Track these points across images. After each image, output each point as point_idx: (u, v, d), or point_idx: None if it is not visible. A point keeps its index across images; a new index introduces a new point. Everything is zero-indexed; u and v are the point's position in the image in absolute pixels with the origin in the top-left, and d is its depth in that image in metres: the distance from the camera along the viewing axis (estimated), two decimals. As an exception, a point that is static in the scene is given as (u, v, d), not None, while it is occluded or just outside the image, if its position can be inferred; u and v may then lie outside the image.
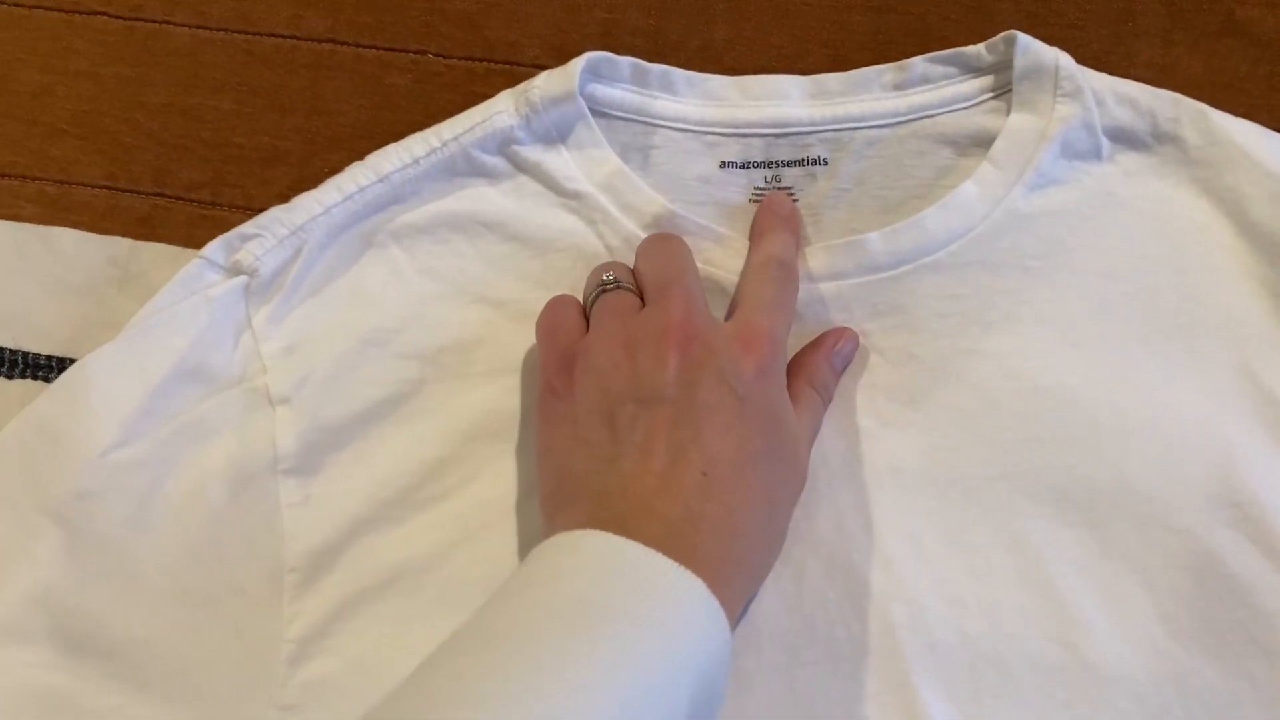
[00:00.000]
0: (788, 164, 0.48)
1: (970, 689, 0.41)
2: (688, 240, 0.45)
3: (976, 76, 0.49)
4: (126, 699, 0.42)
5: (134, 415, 0.44)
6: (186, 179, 0.51)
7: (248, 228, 0.47)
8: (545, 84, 0.47)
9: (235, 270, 0.46)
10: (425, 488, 0.45)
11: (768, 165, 0.48)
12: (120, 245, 0.49)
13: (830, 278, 0.46)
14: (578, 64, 0.47)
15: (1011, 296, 0.46)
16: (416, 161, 0.47)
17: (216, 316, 0.46)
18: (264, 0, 0.52)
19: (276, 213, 0.47)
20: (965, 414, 0.44)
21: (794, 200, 0.48)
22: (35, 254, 0.49)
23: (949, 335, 0.45)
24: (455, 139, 0.47)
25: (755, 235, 0.46)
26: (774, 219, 0.46)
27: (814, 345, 0.45)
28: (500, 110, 0.47)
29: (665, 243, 0.44)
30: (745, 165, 0.48)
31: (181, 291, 0.46)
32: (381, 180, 0.47)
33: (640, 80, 0.48)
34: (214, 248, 0.47)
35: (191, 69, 0.52)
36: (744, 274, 0.45)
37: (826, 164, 0.48)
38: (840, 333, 0.45)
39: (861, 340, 0.45)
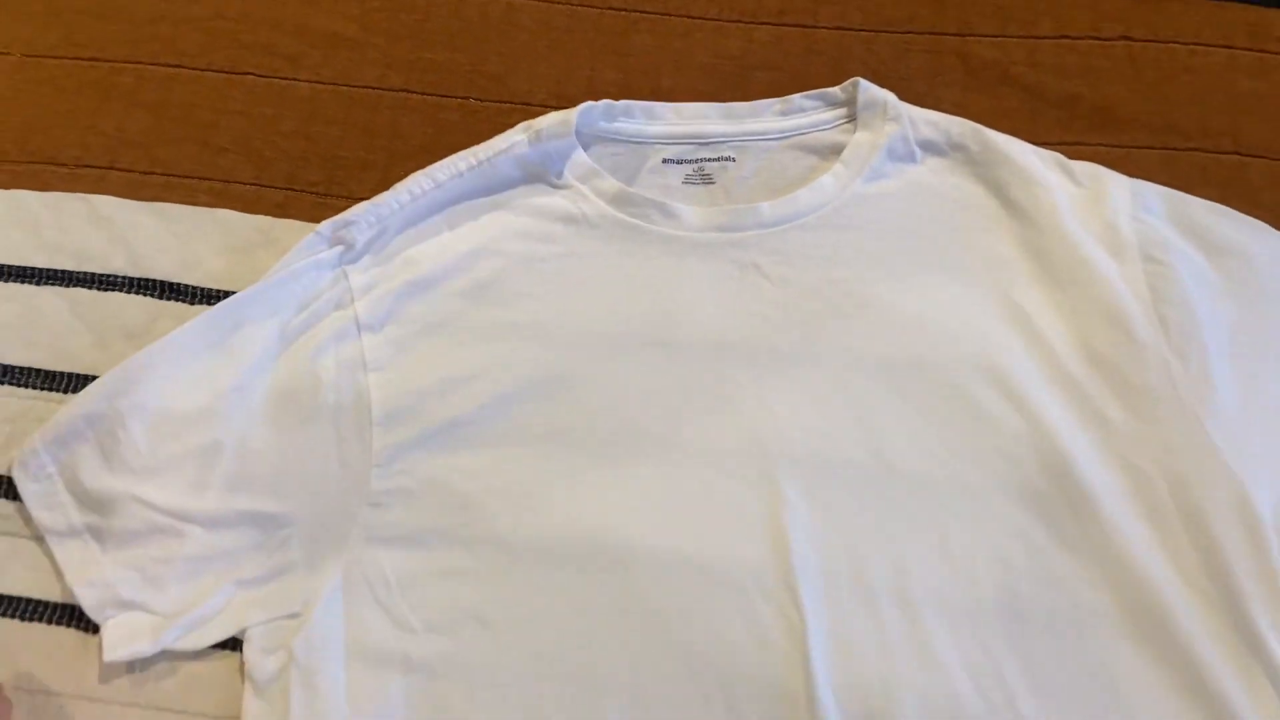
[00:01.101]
0: (708, 160, 0.72)
1: (814, 486, 0.63)
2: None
3: (833, 108, 0.73)
4: (243, 503, 0.64)
5: (262, 346, 0.67)
6: (308, 179, 0.75)
7: (347, 214, 0.70)
8: (549, 122, 0.71)
9: (337, 241, 0.70)
10: (465, 376, 0.68)
11: (694, 161, 0.73)
12: (264, 221, 0.74)
13: (736, 229, 0.70)
14: (574, 112, 0.71)
15: (853, 245, 0.69)
16: (461, 175, 0.71)
17: (324, 270, 0.69)
18: (360, 63, 0.78)
19: (366, 205, 0.70)
20: (821, 314, 0.67)
21: (712, 183, 0.72)
22: (207, 226, 0.74)
23: (812, 268, 0.69)
24: (489, 158, 0.72)
25: None
26: None
27: None
28: (518, 139, 0.72)
29: None
30: (680, 161, 0.73)
31: (303, 253, 0.70)
32: (438, 186, 0.71)
33: (611, 114, 0.73)
34: (325, 226, 0.70)
35: (311, 109, 0.77)
36: None
37: (734, 160, 0.73)
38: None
39: (753, 269, 0.69)
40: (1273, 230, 0.68)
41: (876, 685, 0.58)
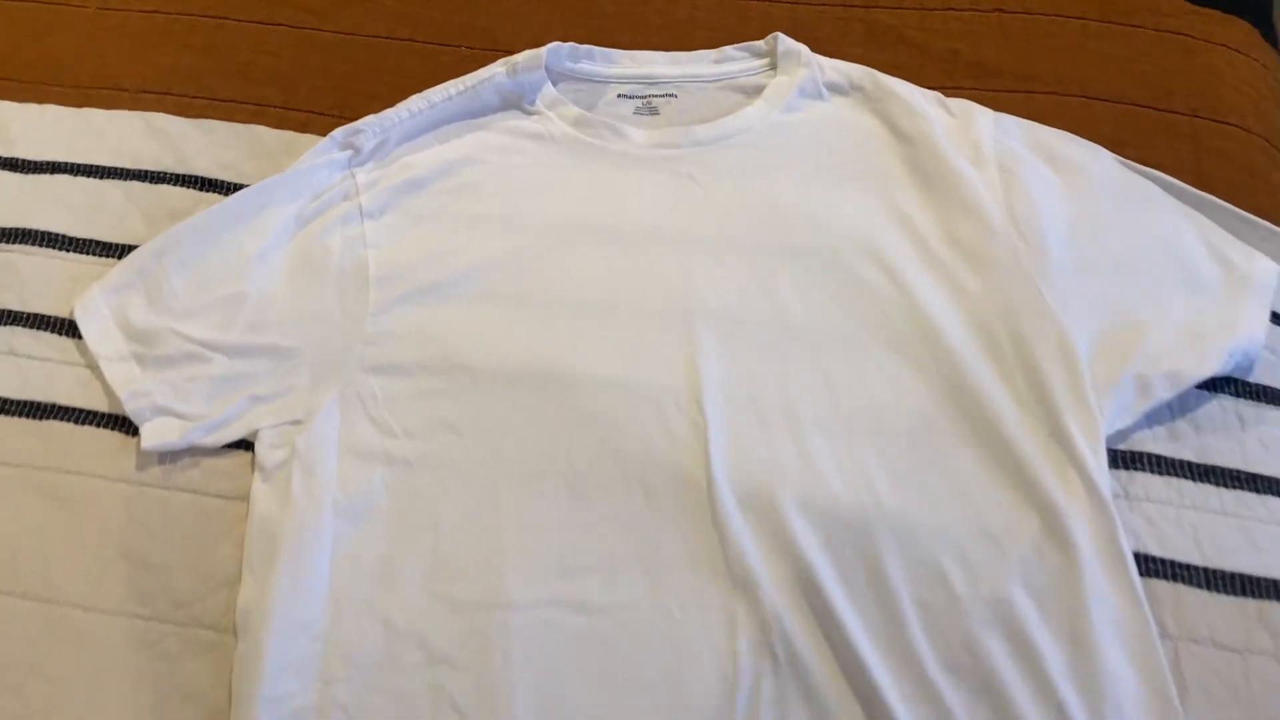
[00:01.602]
0: (655, 96, 0.89)
1: (724, 336, 0.77)
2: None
3: (758, 58, 0.90)
4: (262, 338, 0.78)
5: (281, 224, 0.82)
6: (325, 104, 0.92)
7: (357, 124, 0.86)
8: (524, 57, 0.88)
9: (347, 146, 0.86)
10: (446, 251, 0.82)
11: (643, 96, 0.89)
12: (288, 135, 0.90)
13: (675, 147, 0.85)
14: (544, 49, 0.88)
15: (767, 161, 0.84)
16: (450, 98, 0.87)
17: (335, 170, 0.85)
18: (373, 18, 0.95)
19: (373, 117, 0.86)
20: (738, 211, 0.82)
21: (657, 114, 0.88)
22: (243, 138, 0.89)
23: (734, 177, 0.84)
24: (473, 86, 0.88)
25: None
26: None
27: None
28: (499, 71, 0.88)
29: None
30: (631, 96, 0.89)
31: (319, 153, 0.85)
32: (431, 107, 0.87)
33: (575, 55, 0.89)
34: (338, 132, 0.86)
35: (331, 52, 0.94)
36: None
37: (676, 97, 0.89)
38: None
39: (687, 178, 0.84)
40: (1105, 150, 0.83)
41: (761, 475, 0.72)
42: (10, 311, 0.82)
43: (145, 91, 0.92)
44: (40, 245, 0.85)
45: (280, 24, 0.96)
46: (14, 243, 0.85)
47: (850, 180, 0.84)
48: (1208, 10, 0.93)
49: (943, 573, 0.68)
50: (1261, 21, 0.94)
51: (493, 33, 0.94)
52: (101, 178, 0.88)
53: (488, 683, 0.67)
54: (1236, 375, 0.76)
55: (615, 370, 0.76)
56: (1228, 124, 0.87)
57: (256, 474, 0.75)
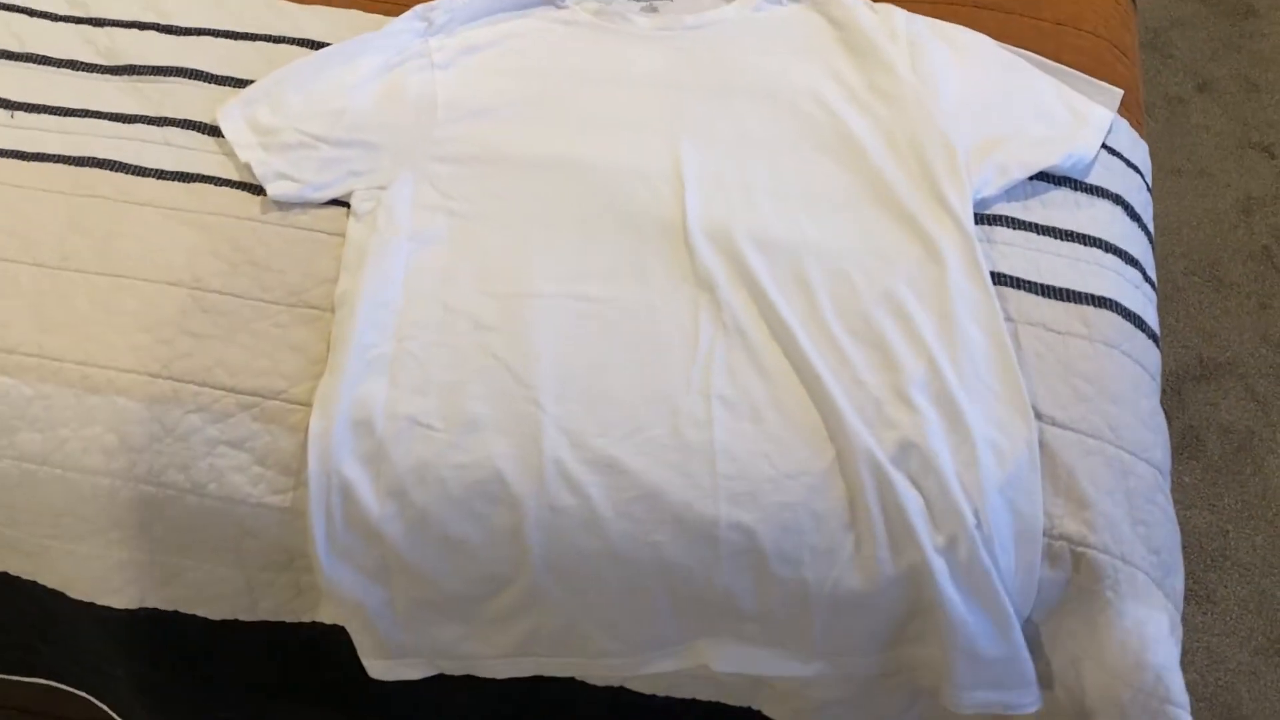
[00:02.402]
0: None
1: (699, 144, 1.04)
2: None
3: (736, -24, 1.20)
4: (357, 136, 1.05)
5: (373, 68, 1.11)
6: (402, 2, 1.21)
7: (431, 4, 1.15)
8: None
9: (423, 19, 1.15)
10: (493, 90, 1.10)
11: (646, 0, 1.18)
12: (380, 18, 1.19)
13: (669, 30, 1.14)
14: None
15: (738, 40, 1.13)
16: (502, -9, 1.17)
17: (414, 36, 1.13)
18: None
19: (443, 0, 1.16)
20: (713, 68, 1.10)
21: (655, 11, 1.17)
22: (342, 16, 1.19)
23: (713, 48, 1.12)
24: (518, -13, 1.18)
25: None
26: None
27: None
28: (539, -23, 1.18)
29: None
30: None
31: (401, 22, 1.14)
32: (486, -6, 1.17)
33: (598, -31, 1.19)
34: (419, 8, 1.15)
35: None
36: None
37: (671, 0, 1.18)
38: None
39: (676, 49, 1.12)
40: (988, 38, 1.12)
41: (721, 219, 0.98)
42: (166, 118, 1.10)
43: (270, -14, 1.22)
44: (189, 79, 1.13)
45: (374, -53, 1.26)
46: (171, 76, 1.13)
47: (798, 52, 1.13)
48: (1074, -43, 1.24)
49: (848, 275, 0.94)
50: (1115, -31, 1.25)
51: (535, -44, 1.25)
52: (235, 39, 1.17)
53: (518, 340, 0.92)
54: (1074, 175, 1.03)
55: (617, 159, 1.04)
56: (1083, 30, 1.16)
57: (350, 217, 1.01)
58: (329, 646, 1.01)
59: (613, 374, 0.90)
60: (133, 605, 0.99)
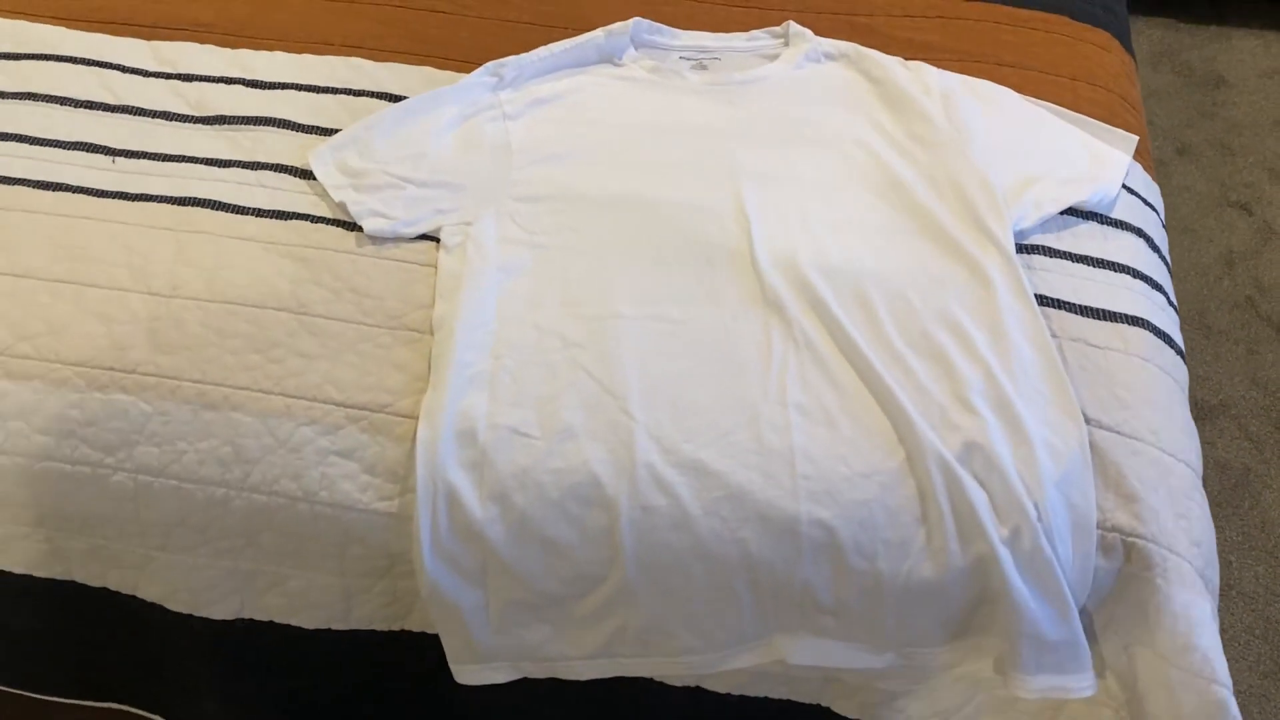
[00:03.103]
0: (705, 58, 1.28)
1: (759, 185, 1.13)
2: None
3: (776, 38, 1.30)
4: (440, 178, 1.14)
5: (450, 118, 1.20)
6: (473, 59, 1.31)
7: (501, 60, 1.24)
8: (617, 26, 1.28)
9: (494, 74, 1.24)
10: (561, 137, 1.19)
11: (696, 59, 1.28)
12: (455, 74, 1.28)
13: (719, 85, 1.24)
14: (630, 22, 1.28)
15: (782, 95, 1.23)
16: (567, 50, 1.27)
17: (485, 90, 1.23)
18: (507, 8, 1.35)
19: (512, 58, 1.25)
20: (761, 120, 1.20)
21: (706, 69, 1.28)
22: (416, 73, 1.28)
23: (760, 103, 1.22)
24: (580, 44, 1.27)
25: None
26: None
27: None
28: (599, 33, 1.28)
29: None
30: (688, 58, 1.28)
31: (475, 77, 1.23)
32: (552, 55, 1.26)
33: (651, 30, 1.29)
34: (490, 65, 1.24)
35: (484, 30, 1.33)
36: None
37: (720, 60, 1.29)
38: None
39: (727, 103, 1.22)
40: (1012, 91, 1.23)
41: (786, 249, 1.07)
42: (259, 162, 1.18)
43: (345, 45, 1.31)
44: (277, 127, 1.22)
45: (439, 10, 1.36)
46: (260, 125, 1.22)
47: (841, 104, 1.23)
48: (1084, 24, 1.36)
49: (905, 296, 1.03)
50: (1121, 34, 1.37)
51: (592, 19, 1.35)
52: (318, 93, 1.26)
53: (605, 356, 1.00)
54: (1100, 210, 1.13)
55: (684, 196, 1.13)
56: (1096, 84, 1.27)
57: (441, 250, 1.09)
58: (414, 656, 1.06)
59: (695, 385, 0.98)
60: (230, 616, 1.05)
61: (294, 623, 1.05)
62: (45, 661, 1.16)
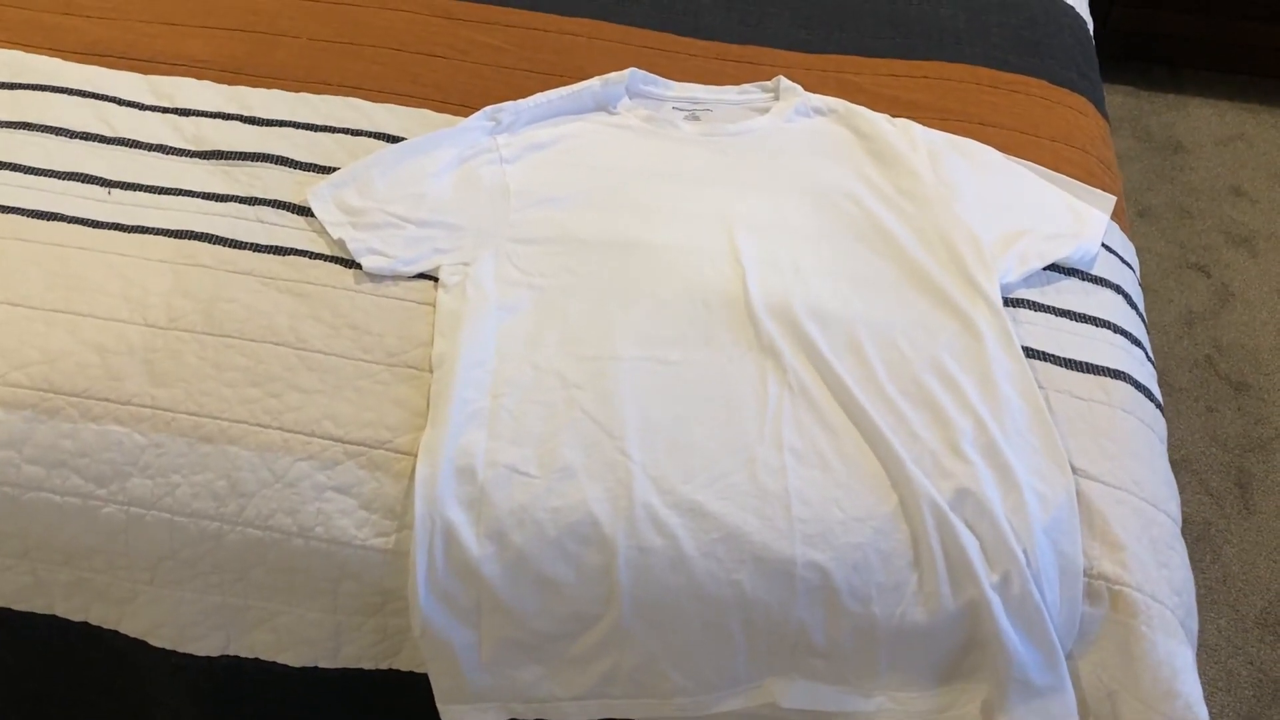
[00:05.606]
0: (698, 109, 1.31)
1: (751, 232, 1.16)
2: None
3: (766, 92, 1.34)
4: (439, 218, 1.15)
5: (448, 159, 1.22)
6: (471, 102, 1.32)
7: (500, 105, 1.27)
8: (614, 75, 1.30)
9: (492, 119, 1.26)
10: (556, 181, 1.21)
11: (690, 110, 1.31)
12: (445, 116, 1.30)
13: (712, 135, 1.27)
14: (626, 71, 1.31)
15: (774, 147, 1.27)
16: (562, 96, 1.29)
17: (483, 134, 1.25)
18: (504, 57, 1.38)
19: (509, 104, 1.28)
20: (754, 168, 1.23)
21: (698, 120, 1.30)
22: (414, 115, 1.29)
23: (752, 152, 1.26)
24: (576, 91, 1.30)
25: None
26: None
27: None
28: (595, 82, 1.30)
29: None
30: (681, 109, 1.31)
31: (473, 121, 1.25)
32: (548, 101, 1.29)
33: (646, 80, 1.32)
34: (488, 109, 1.27)
35: (483, 75, 1.36)
36: None
37: (712, 111, 1.32)
38: None
39: (720, 151, 1.25)
40: (993, 149, 1.27)
41: (780, 295, 1.10)
42: (256, 197, 1.19)
43: (344, 85, 1.33)
44: (275, 164, 1.22)
45: (437, 55, 1.38)
46: (257, 161, 1.22)
47: (830, 157, 1.26)
48: (1063, 88, 1.41)
49: (896, 344, 1.06)
50: (1096, 100, 1.42)
51: (586, 70, 1.38)
52: (316, 131, 1.27)
53: (604, 396, 1.01)
54: (1082, 267, 1.17)
55: (680, 241, 1.15)
56: (1074, 145, 1.32)
57: (440, 289, 1.10)
58: (401, 697, 1.06)
59: (692, 426, 1.00)
60: (214, 653, 1.04)
61: (280, 660, 1.04)
62: (14, 699, 1.14)
